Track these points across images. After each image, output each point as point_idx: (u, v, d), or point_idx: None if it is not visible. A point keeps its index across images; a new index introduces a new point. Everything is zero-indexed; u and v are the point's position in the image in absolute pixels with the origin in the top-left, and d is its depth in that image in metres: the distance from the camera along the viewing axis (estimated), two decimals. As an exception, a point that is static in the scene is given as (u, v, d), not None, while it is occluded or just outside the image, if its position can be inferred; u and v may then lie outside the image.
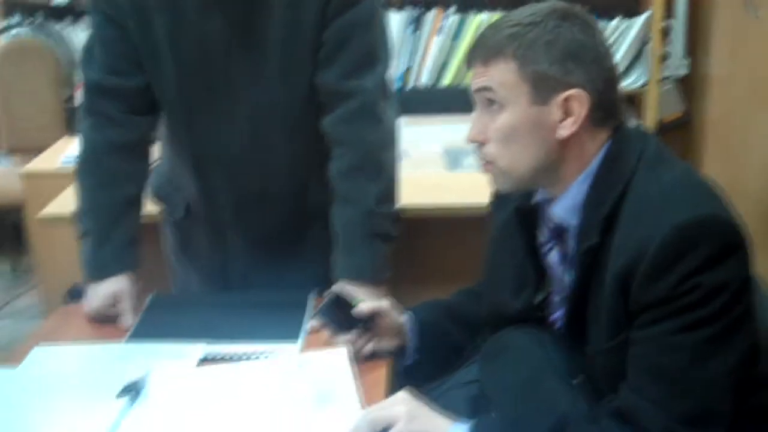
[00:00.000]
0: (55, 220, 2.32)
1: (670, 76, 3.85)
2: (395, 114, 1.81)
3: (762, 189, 2.84)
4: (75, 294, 2.10)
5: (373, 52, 1.76)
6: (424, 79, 3.73)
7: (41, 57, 3.69)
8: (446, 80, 3.74)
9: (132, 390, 1.47)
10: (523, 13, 1.35)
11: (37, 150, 3.31)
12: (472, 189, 2.35)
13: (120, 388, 1.48)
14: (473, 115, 1.40)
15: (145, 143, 1.87)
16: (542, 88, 1.31)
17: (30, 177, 3.03)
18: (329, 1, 1.69)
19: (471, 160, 2.60)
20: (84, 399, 1.47)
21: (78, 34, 3.78)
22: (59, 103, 3.67)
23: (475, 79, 1.37)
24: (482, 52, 1.35)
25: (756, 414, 1.35)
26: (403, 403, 1.34)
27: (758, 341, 1.32)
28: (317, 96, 1.77)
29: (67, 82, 3.75)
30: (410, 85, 3.65)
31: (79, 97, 3.61)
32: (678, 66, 3.88)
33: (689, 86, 3.91)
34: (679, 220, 1.22)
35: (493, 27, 1.37)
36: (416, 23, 3.70)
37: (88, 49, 1.83)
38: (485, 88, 1.35)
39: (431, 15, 3.72)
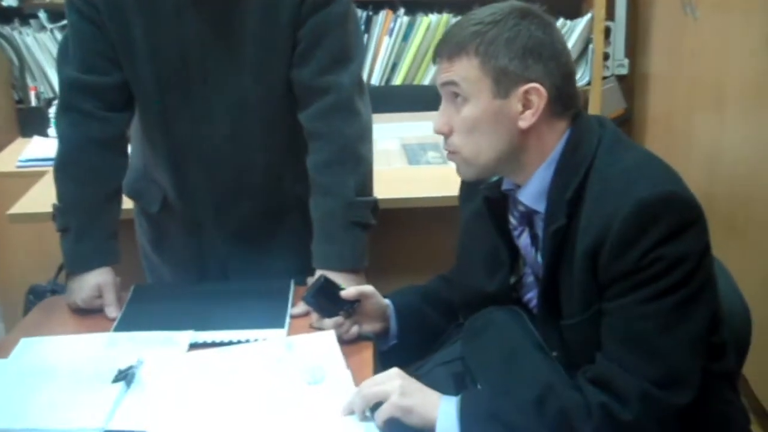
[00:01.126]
0: (25, 217, 2.32)
1: (611, 75, 4.00)
2: (370, 109, 1.88)
3: (703, 184, 2.98)
4: (36, 294, 2.13)
5: (348, 49, 1.82)
6: (375, 78, 3.81)
7: (-9, 59, 3.66)
8: (397, 80, 3.82)
9: (126, 375, 1.51)
10: (484, 12, 1.44)
11: (-11, 153, 3.29)
12: (433, 182, 2.45)
13: (112, 374, 1.52)
14: (440, 107, 1.48)
15: (123, 139, 1.91)
16: (503, 83, 1.41)
17: (-13, 178, 3.02)
18: (304, 1, 1.75)
19: (429, 156, 2.69)
20: (79, 385, 1.51)
21: (27, 36, 3.76)
22: (12, 105, 3.65)
23: (440, 74, 1.46)
24: (447, 48, 1.44)
25: (719, 380, 1.46)
26: (395, 379, 1.41)
27: (718, 310, 1.44)
28: (293, 92, 1.83)
29: (18, 84, 3.72)
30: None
31: (31, 98, 3.62)
32: (618, 65, 4.03)
33: (630, 85, 4.06)
34: (640, 196, 1.32)
35: (457, 25, 1.46)
36: (366, 24, 3.77)
37: (64, 47, 1.87)
38: (450, 83, 1.44)
39: (381, 16, 3.79)
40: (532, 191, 1.47)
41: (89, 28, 1.79)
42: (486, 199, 1.56)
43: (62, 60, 1.87)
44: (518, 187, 1.49)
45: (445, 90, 1.46)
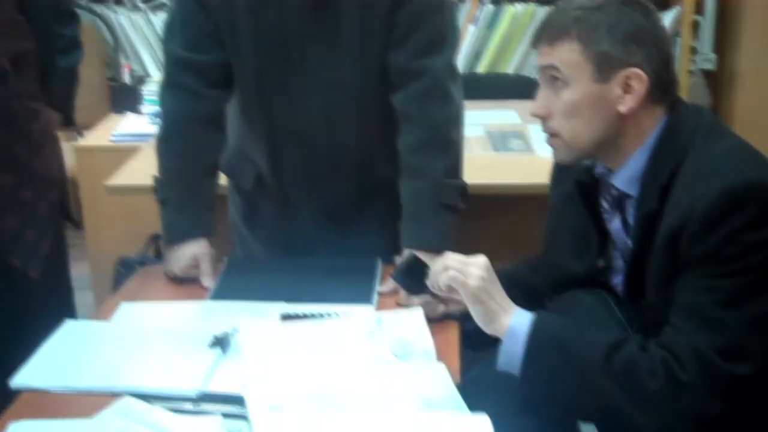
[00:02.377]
0: (120, 189, 2.42)
1: (697, 70, 3.95)
2: (462, 94, 1.91)
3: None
4: (125, 266, 2.21)
5: (443, 34, 1.86)
6: (459, 66, 3.82)
7: (87, 38, 3.75)
8: (481, 68, 3.84)
9: (222, 341, 1.57)
10: None
11: (83, 128, 3.41)
12: (517, 170, 2.47)
13: (209, 340, 1.58)
14: (538, 91, 1.51)
15: (222, 115, 1.97)
16: (604, 67, 1.43)
17: (82, 152, 3.14)
18: None
19: (515, 143, 2.71)
20: (177, 349, 1.58)
21: (121, 16, 3.88)
22: (105, 83, 3.78)
23: (540, 58, 1.50)
24: (548, 33, 1.48)
25: None
26: (481, 270, 1.46)
27: None
28: (388, 74, 1.87)
29: (112, 62, 3.85)
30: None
31: (125, 76, 3.74)
32: (705, 60, 3.98)
33: (716, 81, 4.00)
34: (727, 182, 1.34)
35: (558, 10, 1.49)
36: (452, 13, 3.79)
37: (170, 25, 1.93)
38: (550, 66, 1.47)
39: (467, 5, 3.82)
40: (627, 176, 1.50)
41: (195, 8, 1.85)
42: (578, 182, 1.59)
43: (168, 38, 1.93)
44: (611, 171, 1.52)
45: (545, 74, 1.49)
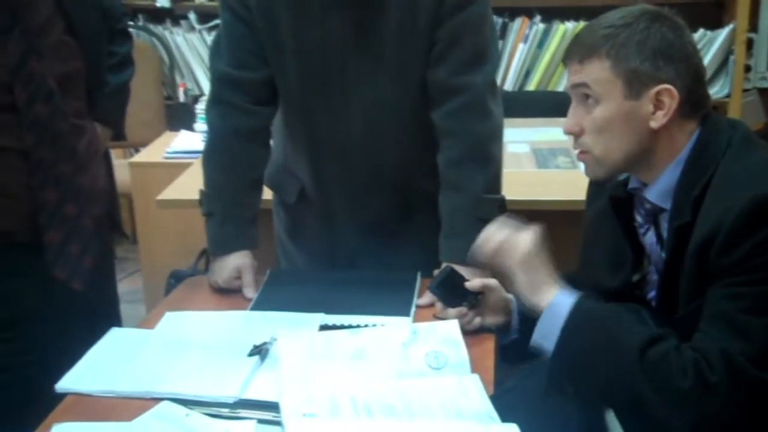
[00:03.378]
0: (171, 203, 2.48)
1: (752, 88, 3.91)
2: (501, 109, 1.93)
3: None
4: (177, 278, 2.26)
5: (483, 50, 1.88)
6: (509, 84, 3.85)
7: (144, 58, 3.88)
8: (531, 86, 3.85)
9: (261, 350, 1.61)
10: (615, 16, 1.49)
11: (139, 145, 3.50)
12: (561, 186, 2.48)
13: (248, 349, 1.62)
14: (570, 108, 1.53)
15: (266, 131, 2.02)
16: (635, 84, 1.44)
17: (137, 168, 3.22)
18: (443, 3, 1.81)
19: (559, 161, 2.71)
20: (217, 357, 1.62)
21: (177, 36, 3.98)
22: (161, 101, 3.88)
23: (571, 76, 1.51)
24: (578, 51, 1.49)
25: None
26: (533, 237, 1.51)
27: None
28: (428, 91, 1.90)
29: (168, 81, 3.95)
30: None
31: (180, 95, 3.83)
32: (761, 78, 3.93)
33: (772, 98, 3.96)
34: (757, 193, 1.34)
35: (588, 29, 1.51)
36: (502, 31, 3.82)
37: (217, 43, 1.99)
38: (581, 84, 1.49)
39: (517, 23, 3.84)
40: (660, 189, 1.50)
41: (241, 27, 1.90)
42: (612, 198, 1.60)
43: (214, 56, 1.99)
44: (645, 185, 1.52)
45: (576, 91, 1.50)
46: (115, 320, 1.80)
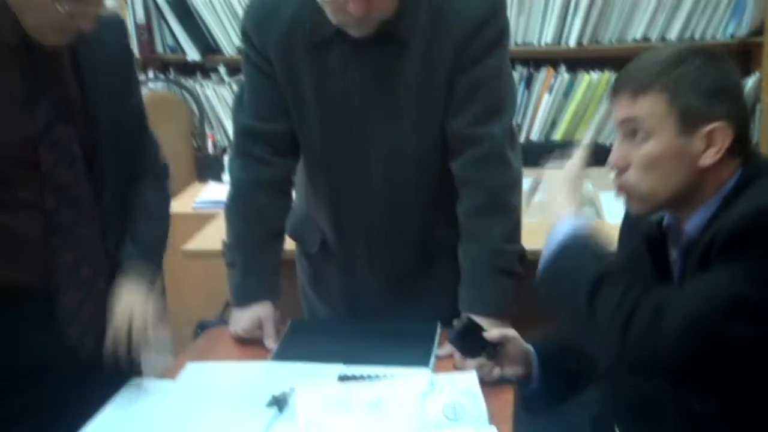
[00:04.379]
0: (197, 253, 2.51)
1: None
2: (520, 159, 1.94)
3: None
4: (204, 329, 2.28)
5: (501, 101, 1.90)
6: (535, 134, 3.86)
7: (175, 110, 3.96)
8: (556, 136, 3.87)
9: (280, 401, 1.62)
10: (666, 52, 1.49)
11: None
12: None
13: (267, 399, 1.63)
14: (616, 143, 1.52)
15: (288, 182, 2.05)
16: (688, 121, 1.44)
17: (166, 218, 3.25)
18: (461, 55, 1.83)
19: (585, 210, 2.70)
20: (236, 407, 1.63)
21: (207, 89, 4.05)
22: (191, 152, 3.94)
23: (621, 111, 1.50)
24: (631, 85, 1.48)
25: None
26: (566, 179, 1.60)
27: None
28: (447, 140, 1.92)
29: (197, 133, 4.01)
30: (522, 139, 3.78)
31: (209, 146, 3.89)
32: (788, 126, 3.90)
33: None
34: (761, 202, 1.35)
35: (640, 64, 1.50)
36: (528, 81, 3.84)
37: (240, 96, 2.02)
38: (632, 119, 1.47)
39: (542, 73, 3.86)
40: (697, 222, 1.48)
41: (263, 80, 1.94)
42: (646, 237, 1.58)
43: (237, 109, 2.03)
44: (680, 220, 1.51)
45: (624, 126, 1.49)
46: (135, 369, 1.80)
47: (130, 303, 1.73)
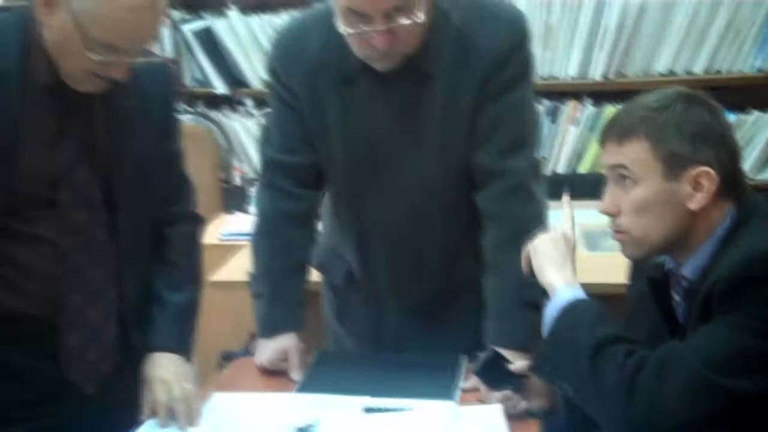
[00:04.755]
0: (224, 284, 2.52)
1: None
2: (544, 191, 1.94)
3: None
4: (229, 359, 2.29)
5: (525, 134, 1.91)
6: (561, 166, 3.86)
7: (202, 142, 4.00)
8: (582, 168, 3.86)
9: (305, 432, 1.62)
10: (651, 98, 1.51)
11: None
12: (611, 269, 2.45)
13: (292, 431, 1.63)
14: (606, 189, 1.54)
15: (314, 214, 2.06)
16: (673, 166, 1.46)
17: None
18: (486, 88, 1.85)
19: (610, 242, 2.70)
20: (261, 439, 1.63)
21: (234, 122, 4.09)
22: (217, 183, 3.97)
23: (608, 157, 1.53)
24: (616, 132, 1.51)
25: None
26: (560, 239, 1.64)
27: None
28: (471, 174, 1.93)
29: (224, 165, 4.05)
30: (548, 171, 3.78)
31: (236, 179, 3.92)
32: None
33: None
34: (759, 247, 1.36)
35: (624, 110, 1.53)
36: (553, 114, 3.85)
37: (266, 129, 2.05)
38: (619, 165, 1.50)
39: (568, 106, 3.86)
40: (695, 266, 1.50)
41: (289, 114, 1.96)
42: (650, 279, 1.59)
43: (264, 142, 2.05)
44: (679, 264, 1.52)
45: (613, 172, 1.52)
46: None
47: (166, 375, 1.75)
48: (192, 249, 1.93)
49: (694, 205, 1.46)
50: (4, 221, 1.62)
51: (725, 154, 1.46)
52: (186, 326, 1.89)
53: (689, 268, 1.51)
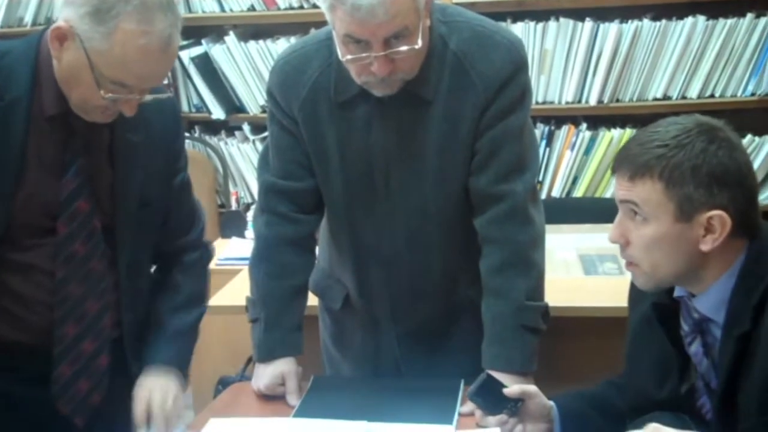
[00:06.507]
0: (220, 309, 2.52)
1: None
2: (542, 216, 1.95)
3: None
4: (225, 385, 2.28)
5: (523, 159, 1.91)
6: (556, 191, 3.87)
7: (199, 167, 4.00)
8: (578, 192, 3.87)
9: (303, 458, 1.62)
10: (669, 132, 1.46)
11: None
12: (607, 293, 2.46)
13: (290, 456, 1.63)
14: (616, 218, 1.52)
15: (312, 239, 2.07)
16: (687, 208, 1.43)
17: (189, 274, 3.27)
18: (483, 114, 1.86)
19: (606, 267, 2.71)
20: (259, 464, 1.63)
21: (231, 147, 4.10)
22: (215, 208, 3.97)
23: (620, 191, 1.50)
24: (629, 167, 1.47)
25: None
26: None
27: None
28: (469, 198, 1.93)
29: (221, 190, 4.05)
30: (543, 196, 3.79)
31: (232, 203, 3.92)
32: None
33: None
34: None
35: (639, 143, 1.48)
36: (549, 138, 3.87)
37: (264, 155, 2.06)
38: (630, 202, 1.47)
39: (563, 131, 3.88)
40: (712, 301, 1.48)
41: (287, 138, 1.97)
42: (655, 305, 1.58)
43: (262, 167, 2.06)
44: (692, 294, 1.51)
45: (624, 206, 1.49)
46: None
47: (151, 389, 1.74)
48: (198, 275, 1.95)
49: (705, 247, 1.43)
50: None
51: (741, 196, 1.43)
52: (183, 345, 1.89)
53: (704, 304, 1.48)
